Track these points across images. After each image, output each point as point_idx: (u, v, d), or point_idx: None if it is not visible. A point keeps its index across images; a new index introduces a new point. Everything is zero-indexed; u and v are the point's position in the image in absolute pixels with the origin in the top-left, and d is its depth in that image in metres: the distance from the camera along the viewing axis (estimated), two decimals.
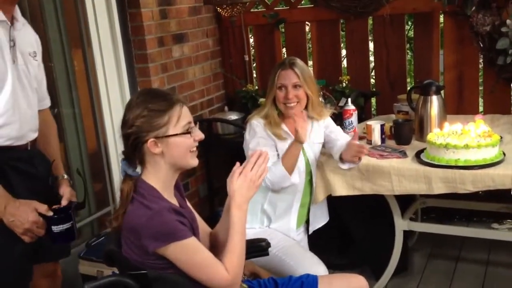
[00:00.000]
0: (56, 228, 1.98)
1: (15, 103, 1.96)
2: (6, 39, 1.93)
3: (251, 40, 4.28)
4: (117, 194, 1.79)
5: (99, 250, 2.84)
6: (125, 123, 1.70)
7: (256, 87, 4.07)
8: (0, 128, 1.93)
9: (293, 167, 2.50)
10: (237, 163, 1.79)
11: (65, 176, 2.21)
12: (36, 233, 1.97)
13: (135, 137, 1.68)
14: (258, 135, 2.56)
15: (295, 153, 2.49)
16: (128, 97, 3.40)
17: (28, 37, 2.09)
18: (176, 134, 1.69)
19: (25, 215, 1.92)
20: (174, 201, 1.77)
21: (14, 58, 1.96)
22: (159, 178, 1.73)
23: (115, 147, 3.37)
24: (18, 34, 2.00)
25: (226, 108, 3.92)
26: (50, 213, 1.99)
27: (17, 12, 2.03)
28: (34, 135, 2.11)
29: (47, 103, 2.28)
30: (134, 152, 1.71)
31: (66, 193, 2.12)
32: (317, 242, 2.83)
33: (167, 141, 1.69)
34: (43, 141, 2.19)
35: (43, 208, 1.98)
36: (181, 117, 1.70)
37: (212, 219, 3.40)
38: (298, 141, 2.46)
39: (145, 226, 1.61)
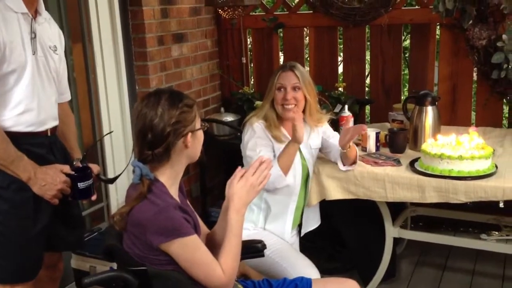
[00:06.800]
0: (82, 185, 2.11)
1: (34, 91, 2.07)
2: (27, 31, 2.04)
3: (248, 42, 4.30)
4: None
5: (92, 245, 2.86)
6: (155, 125, 1.69)
7: (253, 90, 4.10)
8: (21, 115, 2.04)
9: (288, 168, 2.52)
10: (239, 167, 1.82)
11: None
12: (65, 192, 2.09)
13: (174, 134, 1.71)
14: (256, 135, 2.59)
15: (292, 153, 2.52)
16: (126, 94, 3.40)
17: (50, 32, 2.20)
18: (200, 128, 1.79)
19: (55, 176, 2.05)
20: (177, 199, 1.79)
21: (34, 49, 2.06)
22: (173, 173, 1.77)
23: (110, 142, 3.38)
24: (39, 28, 2.11)
25: (222, 109, 3.94)
26: (72, 172, 2.11)
27: (41, 6, 2.15)
28: (54, 123, 2.21)
29: (67, 97, 2.40)
30: (166, 151, 1.72)
31: (94, 167, 2.26)
32: (308, 246, 2.86)
33: (195, 135, 1.77)
34: (62, 127, 2.31)
35: (67, 168, 2.11)
36: (198, 113, 1.80)
37: (204, 218, 3.42)
38: (295, 141, 2.49)
39: (151, 221, 1.64)
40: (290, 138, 2.59)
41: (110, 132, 2.86)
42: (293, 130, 2.46)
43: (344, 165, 2.70)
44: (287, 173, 2.53)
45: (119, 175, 2.23)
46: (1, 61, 1.95)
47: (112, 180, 2.28)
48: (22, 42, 2.02)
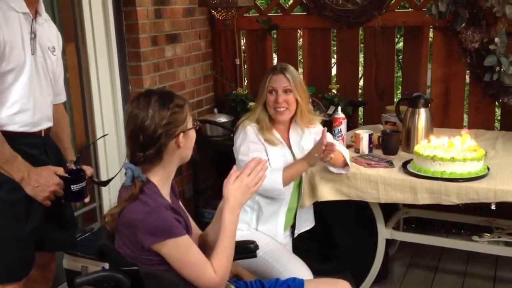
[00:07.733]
0: (74, 187, 2.12)
1: (30, 91, 2.07)
2: (28, 31, 2.05)
3: (242, 43, 4.31)
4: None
5: (84, 245, 2.86)
6: (146, 127, 1.68)
7: (246, 91, 4.10)
8: (16, 114, 2.05)
9: (290, 182, 2.55)
10: (234, 167, 1.82)
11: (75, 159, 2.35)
12: (58, 194, 2.09)
13: (166, 135, 1.69)
14: (248, 140, 2.59)
15: (300, 172, 2.57)
16: (119, 94, 3.40)
17: (49, 33, 2.21)
18: (192, 128, 1.78)
19: (49, 178, 2.05)
20: (169, 200, 1.79)
21: (34, 49, 2.07)
22: (165, 174, 1.76)
23: (103, 143, 3.37)
24: (39, 28, 2.12)
25: (215, 110, 3.94)
26: (66, 174, 2.12)
27: (41, 7, 2.16)
28: (48, 124, 2.21)
29: (63, 98, 2.40)
30: (158, 152, 1.70)
31: (88, 169, 2.27)
32: (301, 247, 2.86)
33: (187, 135, 1.76)
34: (56, 128, 2.31)
35: (61, 170, 2.11)
36: (190, 112, 1.78)
37: (197, 220, 3.42)
38: (309, 163, 2.52)
39: (142, 222, 1.63)
40: (282, 141, 2.60)
41: (105, 135, 2.85)
42: (315, 154, 2.47)
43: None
44: (286, 186, 2.55)
45: (112, 178, 2.22)
46: (0, 60, 1.95)
47: (105, 183, 2.27)
48: (22, 41, 2.03)
